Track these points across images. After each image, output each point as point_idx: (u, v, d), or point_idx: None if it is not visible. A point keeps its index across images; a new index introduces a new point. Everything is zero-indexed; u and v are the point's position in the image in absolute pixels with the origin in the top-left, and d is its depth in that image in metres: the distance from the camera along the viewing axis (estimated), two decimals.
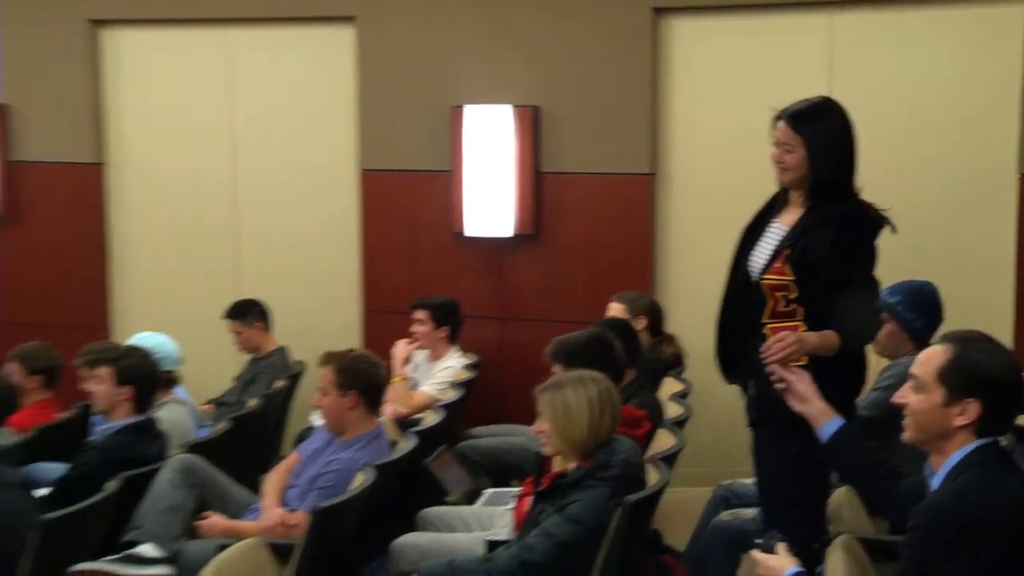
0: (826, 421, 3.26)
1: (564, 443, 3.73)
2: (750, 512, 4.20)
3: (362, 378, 4.49)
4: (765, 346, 3.41)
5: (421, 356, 6.34)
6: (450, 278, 6.72)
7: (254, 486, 4.78)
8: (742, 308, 3.66)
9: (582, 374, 3.83)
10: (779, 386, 3.36)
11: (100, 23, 7.32)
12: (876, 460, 3.21)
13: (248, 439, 5.60)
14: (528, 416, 4.78)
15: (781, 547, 2.92)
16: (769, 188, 3.78)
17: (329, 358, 4.53)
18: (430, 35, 6.77)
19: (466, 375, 6.18)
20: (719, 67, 6.40)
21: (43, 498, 4.42)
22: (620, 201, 6.52)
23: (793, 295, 3.52)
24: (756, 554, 2.94)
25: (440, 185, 6.71)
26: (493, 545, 3.92)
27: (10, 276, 7.52)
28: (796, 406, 3.33)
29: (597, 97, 6.49)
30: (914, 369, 2.82)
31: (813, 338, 3.42)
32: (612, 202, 6.53)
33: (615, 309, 5.76)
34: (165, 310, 7.20)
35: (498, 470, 5.57)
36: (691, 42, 6.44)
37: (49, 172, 7.42)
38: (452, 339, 6.34)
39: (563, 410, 3.70)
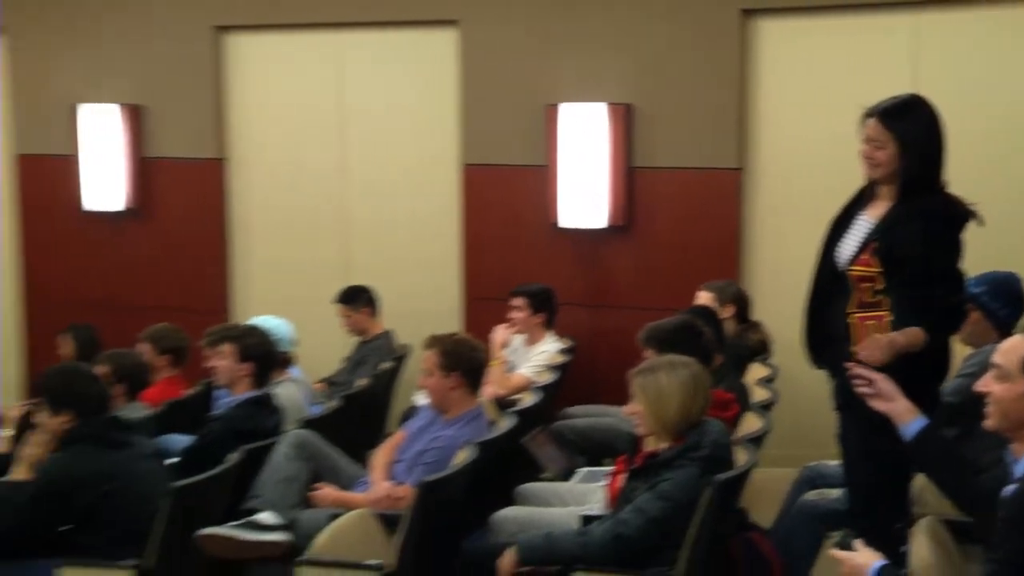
0: (910, 420, 3.14)
1: (657, 424, 3.69)
2: (835, 493, 4.14)
3: (464, 360, 4.51)
4: (859, 348, 3.33)
5: (518, 340, 6.34)
6: (546, 267, 6.71)
7: (362, 461, 4.82)
8: (829, 298, 3.60)
9: (674, 359, 3.79)
10: (862, 390, 3.26)
11: (224, 29, 7.43)
12: (960, 458, 3.11)
13: (357, 416, 5.64)
14: (619, 398, 4.76)
15: (859, 543, 2.82)
16: (853, 183, 3.71)
17: (434, 341, 4.55)
18: (528, 37, 6.75)
19: (561, 359, 6.17)
20: (805, 66, 6.30)
21: (173, 466, 4.51)
22: (709, 194, 6.45)
23: (879, 286, 3.45)
24: (838, 553, 2.83)
25: (537, 179, 6.70)
26: (588, 520, 3.91)
27: (142, 263, 7.66)
28: (880, 406, 3.21)
29: (687, 95, 6.43)
30: (997, 358, 2.74)
31: (900, 338, 3.35)
32: (701, 195, 6.47)
33: (704, 297, 5.70)
34: (280, 295, 7.28)
35: (591, 449, 5.54)
36: (778, 42, 6.34)
37: (176, 167, 7.54)
38: (548, 325, 6.33)
39: (656, 393, 3.67)
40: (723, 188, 6.42)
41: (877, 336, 3.35)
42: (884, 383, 3.21)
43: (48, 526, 4.04)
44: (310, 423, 4.93)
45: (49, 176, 7.73)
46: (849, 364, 3.34)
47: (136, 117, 7.51)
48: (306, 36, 7.37)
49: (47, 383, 4.30)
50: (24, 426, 4.66)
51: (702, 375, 3.76)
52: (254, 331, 5.18)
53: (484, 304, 6.86)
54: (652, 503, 3.58)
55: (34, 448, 4.28)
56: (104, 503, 4.03)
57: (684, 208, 6.51)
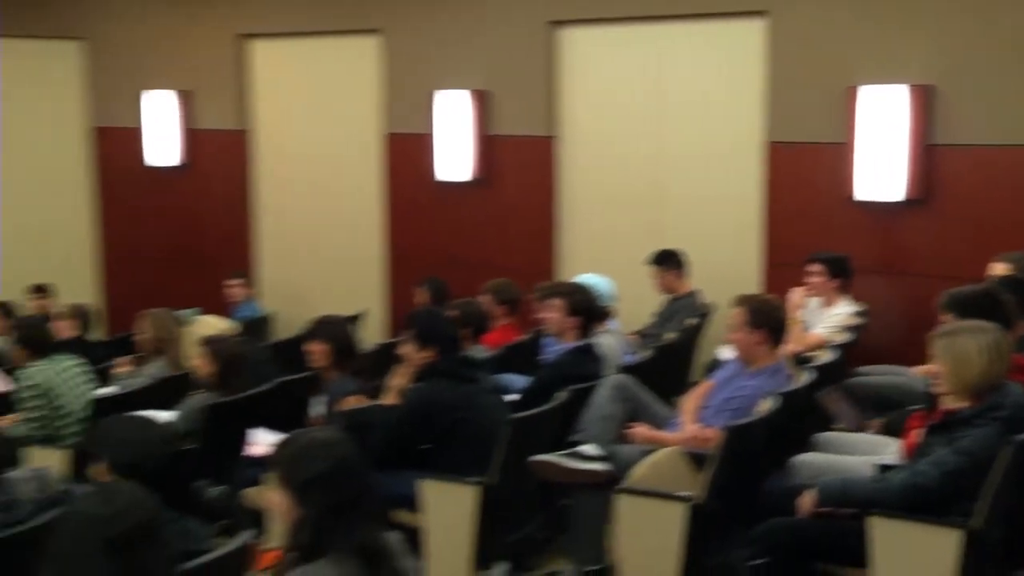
0: None
1: (958, 384, 3.47)
2: None
3: (769, 318, 4.41)
4: None
5: (814, 303, 6.10)
6: (841, 236, 6.42)
7: (671, 404, 4.82)
8: None
9: (977, 323, 3.55)
10: None
11: (556, 24, 7.52)
12: None
13: (666, 365, 5.64)
14: (910, 359, 4.51)
15: None
16: None
17: (743, 300, 4.47)
18: (831, 24, 6.45)
19: (855, 321, 5.90)
20: None
21: (512, 402, 4.67)
22: (1008, 170, 5.95)
23: None
24: None
25: (835, 155, 6.40)
26: (884, 468, 3.73)
27: (483, 227, 7.92)
28: None
29: (989, 75, 5.94)
30: None
31: None
32: (1000, 171, 5.97)
33: (999, 268, 5.27)
34: (601, 256, 7.32)
35: (882, 405, 5.27)
36: None
37: (514, 144, 7.71)
38: (843, 289, 6.06)
39: (958, 355, 3.44)
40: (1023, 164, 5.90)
41: None
42: None
43: (411, 444, 4.30)
44: (627, 369, 4.97)
45: (410, 151, 8.12)
46: None
47: (482, 100, 7.73)
48: (627, 28, 7.34)
49: (416, 322, 4.53)
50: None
51: (1004, 340, 3.50)
52: (580, 288, 5.26)
53: (782, 269, 6.66)
54: (950, 457, 3.38)
55: (399, 379, 4.55)
56: (455, 428, 4.23)
57: (982, 183, 6.03)
